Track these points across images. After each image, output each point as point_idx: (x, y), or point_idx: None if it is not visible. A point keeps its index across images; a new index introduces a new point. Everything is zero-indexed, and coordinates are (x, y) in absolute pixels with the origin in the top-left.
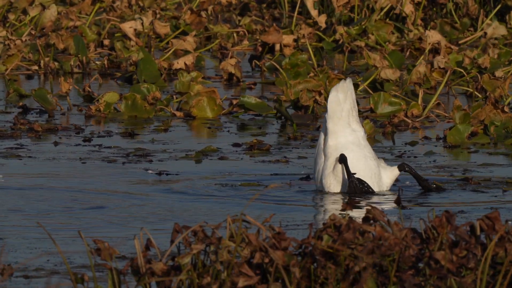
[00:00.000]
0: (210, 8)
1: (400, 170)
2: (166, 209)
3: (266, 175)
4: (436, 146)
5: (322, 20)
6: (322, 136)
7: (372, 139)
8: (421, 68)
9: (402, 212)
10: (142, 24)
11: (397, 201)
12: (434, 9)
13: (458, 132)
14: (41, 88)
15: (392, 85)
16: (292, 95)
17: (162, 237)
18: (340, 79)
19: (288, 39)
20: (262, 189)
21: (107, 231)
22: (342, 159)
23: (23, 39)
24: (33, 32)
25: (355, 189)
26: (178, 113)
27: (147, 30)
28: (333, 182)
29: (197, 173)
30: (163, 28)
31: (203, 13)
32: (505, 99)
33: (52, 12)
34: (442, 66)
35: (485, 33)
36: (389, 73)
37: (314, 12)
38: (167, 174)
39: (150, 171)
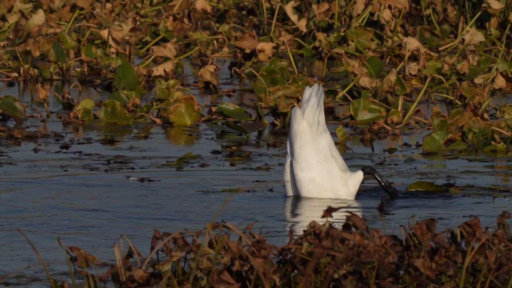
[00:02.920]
0: (183, 13)
1: (364, 173)
2: (147, 216)
3: (248, 182)
4: (413, 153)
5: (302, 24)
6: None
7: (343, 146)
8: (391, 76)
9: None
10: (122, 31)
11: (380, 208)
12: (414, 16)
13: (433, 140)
14: (8, 96)
15: (369, 93)
16: (271, 101)
17: (144, 244)
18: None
19: (264, 45)
20: (233, 196)
21: (88, 239)
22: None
23: (2, 44)
24: (11, 37)
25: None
26: (157, 120)
27: (128, 37)
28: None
29: (178, 180)
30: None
31: (185, 20)
32: (486, 108)
33: (39, 17)
34: (414, 73)
35: (463, 39)
36: (367, 81)
37: (293, 17)
38: (149, 181)
39: (132, 178)
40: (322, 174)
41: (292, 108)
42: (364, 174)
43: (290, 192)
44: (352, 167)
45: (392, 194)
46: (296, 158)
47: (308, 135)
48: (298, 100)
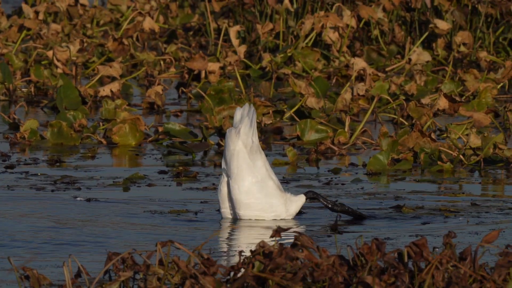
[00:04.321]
0: (135, 35)
1: (306, 198)
2: (95, 237)
3: (196, 203)
4: (357, 173)
5: (241, 50)
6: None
7: (294, 166)
8: (347, 95)
9: (329, 238)
10: (69, 51)
11: (334, 228)
12: (361, 36)
13: (377, 160)
14: None
15: (319, 113)
16: (216, 122)
17: (92, 264)
18: (266, 106)
19: (214, 66)
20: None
21: (36, 258)
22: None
23: None
24: None
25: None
26: (103, 141)
27: (74, 57)
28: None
29: (125, 200)
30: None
31: (125, 41)
32: (431, 126)
33: None
34: (362, 94)
35: (410, 60)
36: (314, 102)
37: (235, 42)
38: (96, 200)
39: (79, 198)
40: (260, 194)
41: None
42: (307, 198)
43: (225, 212)
44: (299, 188)
45: (343, 212)
46: (234, 178)
47: (245, 154)
48: None
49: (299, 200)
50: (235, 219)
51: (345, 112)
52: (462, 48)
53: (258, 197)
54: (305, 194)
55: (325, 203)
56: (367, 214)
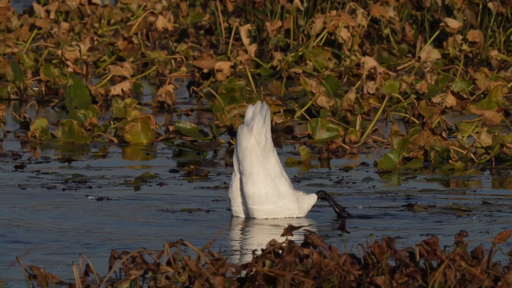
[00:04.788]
0: (143, 33)
1: (318, 197)
2: (106, 235)
3: (207, 201)
4: (367, 172)
5: (252, 49)
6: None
7: (307, 165)
8: (351, 95)
9: (340, 237)
10: (79, 50)
11: (341, 227)
12: (372, 35)
13: (388, 159)
14: None
15: (328, 112)
16: (227, 120)
17: (102, 263)
18: (277, 105)
19: (224, 65)
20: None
21: (46, 257)
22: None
23: None
24: None
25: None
26: (115, 139)
27: (85, 56)
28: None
29: (136, 199)
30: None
31: (135, 40)
32: (441, 125)
33: None
34: (372, 92)
35: (419, 58)
36: (324, 101)
37: (246, 41)
38: (107, 199)
39: (90, 197)
40: (273, 192)
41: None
42: (318, 198)
43: (237, 210)
44: (310, 187)
45: (346, 219)
46: (246, 176)
47: (258, 151)
48: None
49: (311, 199)
50: (247, 217)
51: (350, 111)
52: (472, 47)
53: (271, 195)
54: (317, 193)
55: (334, 207)
56: (378, 213)
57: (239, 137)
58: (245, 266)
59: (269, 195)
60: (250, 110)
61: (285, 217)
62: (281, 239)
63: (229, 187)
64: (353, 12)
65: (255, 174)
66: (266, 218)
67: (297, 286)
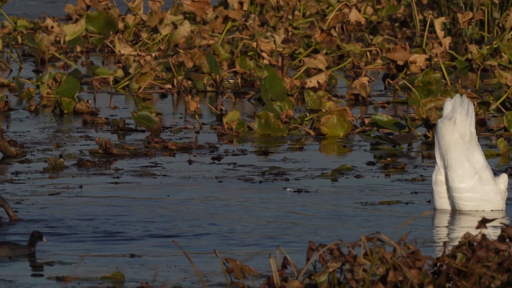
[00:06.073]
0: (338, 26)
1: (508, 175)
2: (303, 227)
3: (406, 194)
4: None
5: (446, 42)
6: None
7: (506, 158)
8: None
9: None
10: (274, 42)
11: None
12: None
13: None
14: (145, 108)
15: None
16: (423, 113)
17: (299, 255)
18: (472, 98)
19: (419, 58)
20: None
21: (244, 250)
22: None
23: (153, 55)
24: (162, 47)
25: None
26: (311, 132)
27: (280, 48)
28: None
29: (334, 191)
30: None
31: (333, 32)
32: None
33: (185, 28)
34: None
35: None
36: None
37: (440, 33)
38: (306, 192)
39: (288, 189)
40: (479, 185)
41: (438, 119)
42: (508, 175)
43: (439, 202)
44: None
45: None
46: (453, 169)
47: (462, 145)
48: None
49: (504, 178)
50: (451, 209)
51: None
52: None
53: (477, 189)
54: (505, 171)
55: None
56: None
57: (440, 130)
58: (437, 259)
59: (476, 189)
60: (449, 103)
61: (491, 210)
62: (475, 232)
63: (433, 180)
64: None
65: (460, 168)
66: (465, 211)
67: (491, 279)
